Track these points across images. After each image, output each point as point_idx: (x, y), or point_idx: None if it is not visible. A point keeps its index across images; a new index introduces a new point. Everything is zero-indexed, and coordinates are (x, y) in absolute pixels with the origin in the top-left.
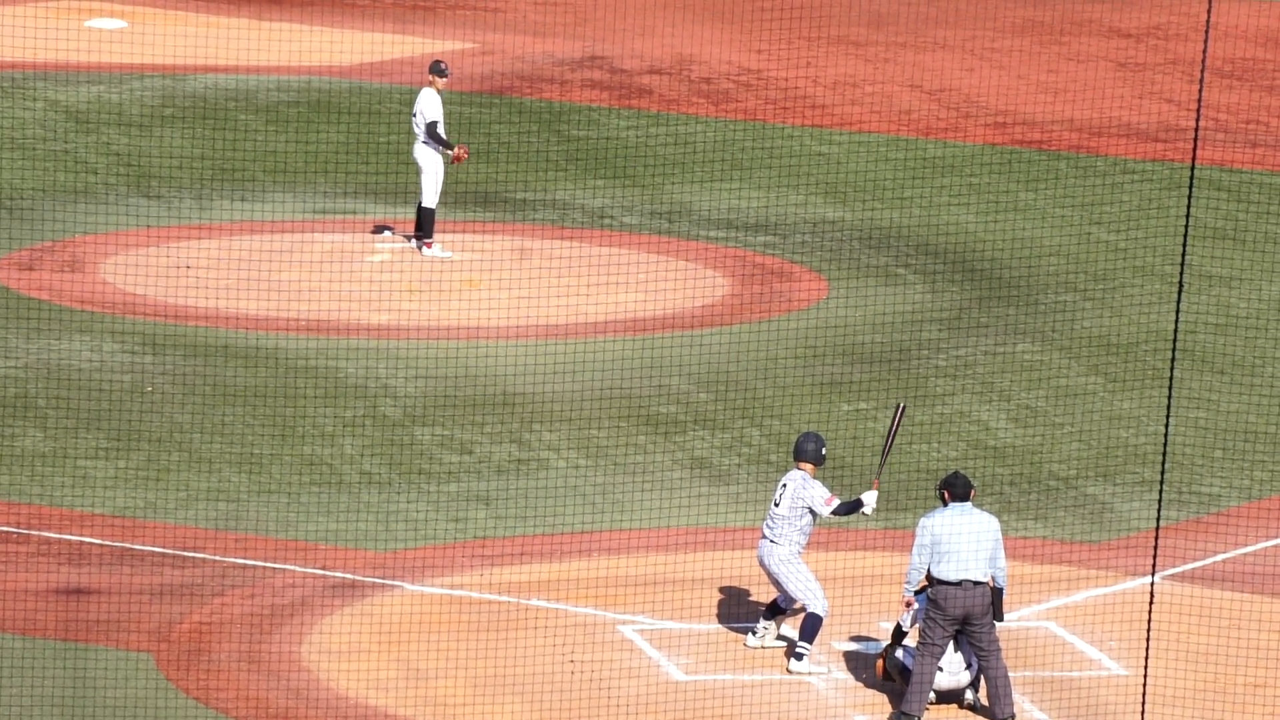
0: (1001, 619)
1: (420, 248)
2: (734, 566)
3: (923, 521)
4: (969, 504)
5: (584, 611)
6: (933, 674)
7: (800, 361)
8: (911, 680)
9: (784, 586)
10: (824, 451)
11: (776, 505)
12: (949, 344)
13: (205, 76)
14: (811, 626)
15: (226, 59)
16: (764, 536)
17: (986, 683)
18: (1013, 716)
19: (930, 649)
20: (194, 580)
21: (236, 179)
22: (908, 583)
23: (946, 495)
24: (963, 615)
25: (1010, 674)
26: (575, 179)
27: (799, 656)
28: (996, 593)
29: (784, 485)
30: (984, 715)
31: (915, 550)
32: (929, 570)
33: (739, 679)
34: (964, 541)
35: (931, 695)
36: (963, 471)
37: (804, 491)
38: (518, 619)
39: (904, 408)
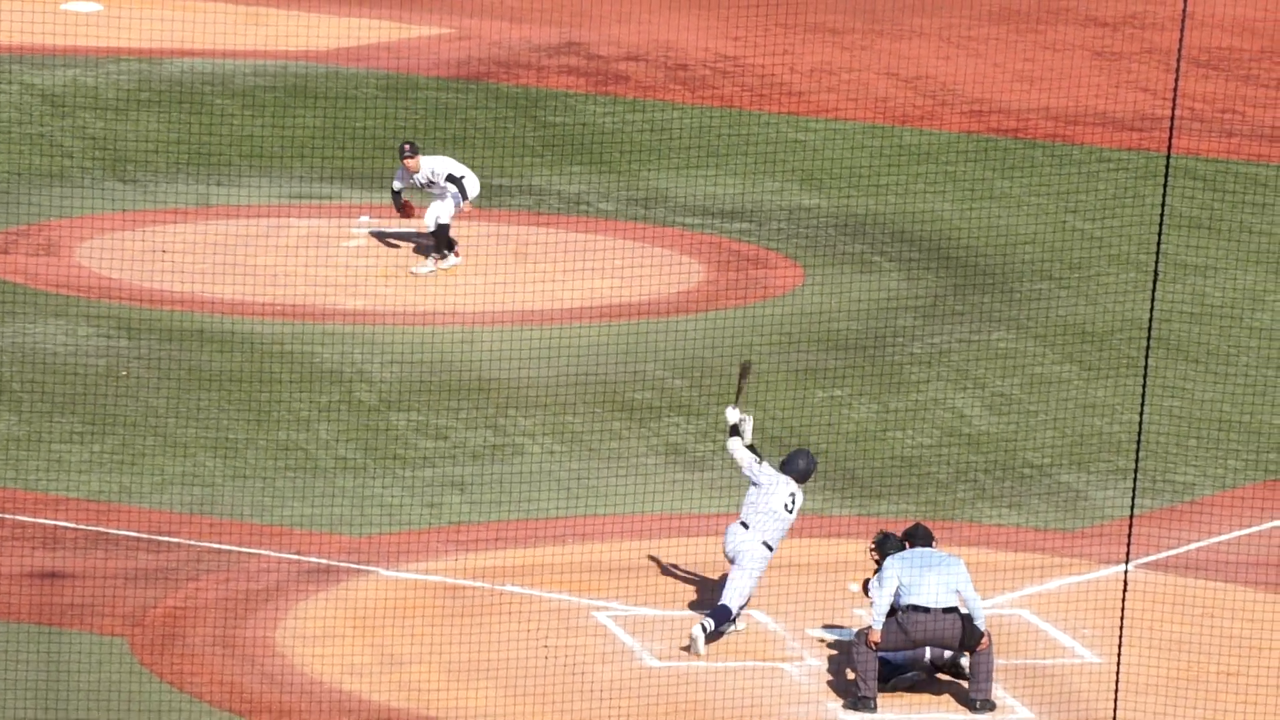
0: (974, 647)
1: (437, 260)
2: (708, 553)
3: (889, 560)
4: (931, 549)
5: (558, 597)
6: (875, 665)
7: (776, 348)
8: (857, 670)
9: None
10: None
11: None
12: (924, 332)
13: (181, 60)
14: (725, 616)
15: (203, 43)
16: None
17: (969, 665)
18: (988, 703)
19: (884, 643)
20: (168, 565)
21: (212, 163)
22: (875, 617)
23: (908, 545)
24: (924, 641)
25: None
26: (551, 165)
27: (703, 628)
28: (967, 619)
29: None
30: (964, 704)
31: (882, 584)
32: (900, 601)
33: (712, 666)
34: (932, 574)
35: (911, 675)
36: (924, 524)
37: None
38: (492, 605)
39: (748, 363)
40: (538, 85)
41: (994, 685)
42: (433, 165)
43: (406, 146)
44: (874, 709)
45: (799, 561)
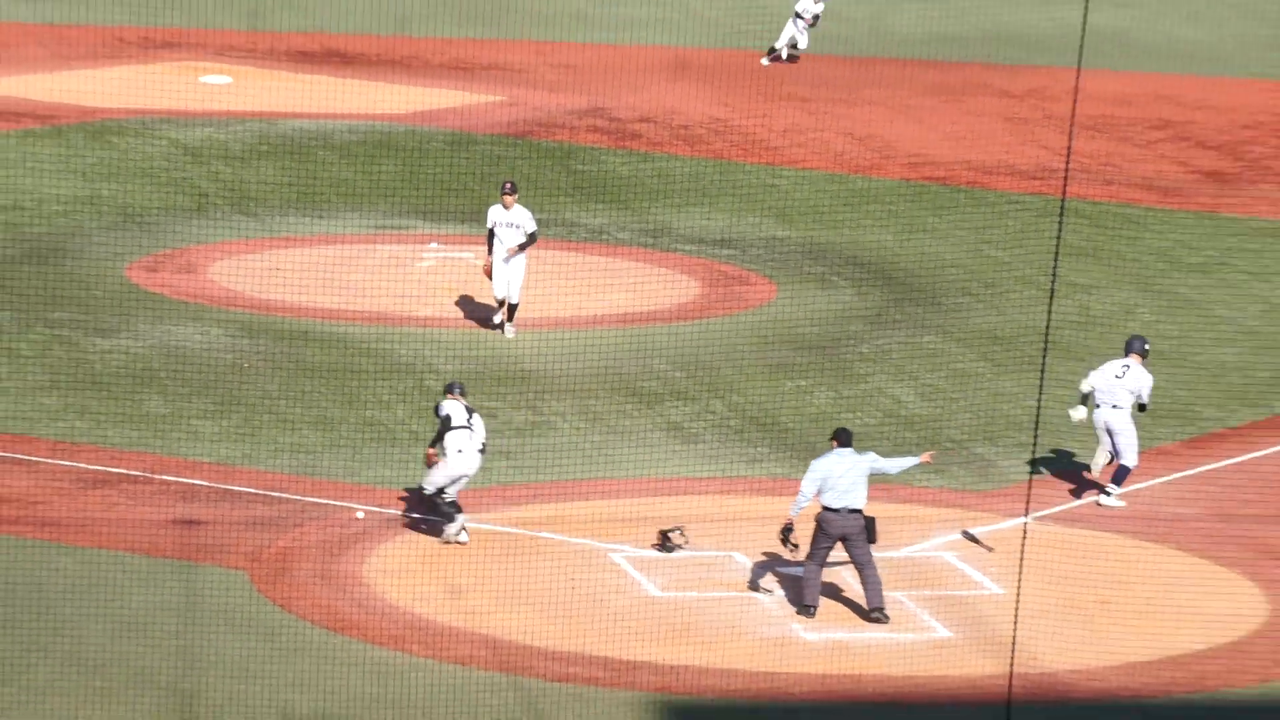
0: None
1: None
2: (700, 507)
3: (814, 463)
4: (850, 449)
5: (582, 542)
6: (818, 576)
7: (754, 348)
8: (803, 581)
9: (1118, 440)
10: (1147, 347)
11: (1119, 378)
12: (870, 335)
13: (293, 121)
14: (1124, 475)
15: (310, 108)
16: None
17: (863, 584)
18: (882, 610)
19: (816, 556)
20: (280, 514)
21: (315, 201)
22: (795, 506)
23: (835, 443)
24: (840, 535)
25: (915, 593)
26: (580, 204)
27: (1107, 494)
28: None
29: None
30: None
31: (807, 482)
32: (819, 499)
33: (703, 596)
34: (844, 480)
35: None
36: (847, 427)
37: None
38: (531, 547)
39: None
40: (570, 141)
41: (919, 613)
42: (525, 211)
43: (508, 185)
44: (813, 614)
45: (769, 514)
